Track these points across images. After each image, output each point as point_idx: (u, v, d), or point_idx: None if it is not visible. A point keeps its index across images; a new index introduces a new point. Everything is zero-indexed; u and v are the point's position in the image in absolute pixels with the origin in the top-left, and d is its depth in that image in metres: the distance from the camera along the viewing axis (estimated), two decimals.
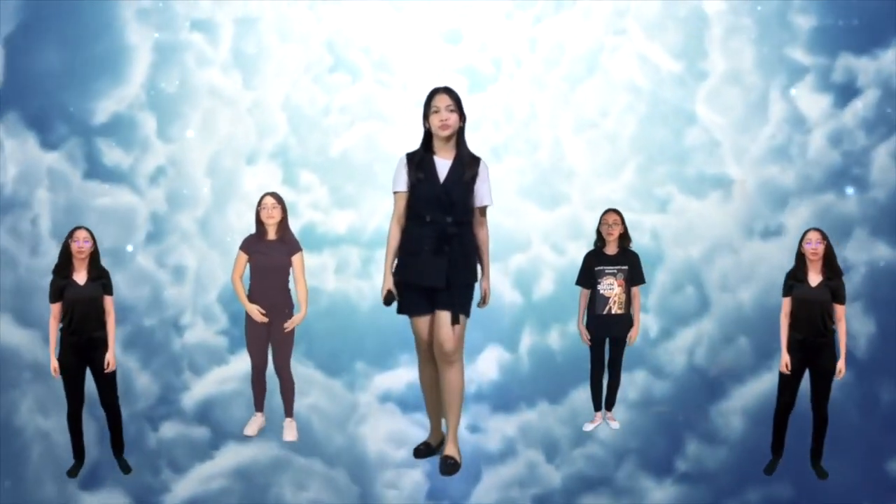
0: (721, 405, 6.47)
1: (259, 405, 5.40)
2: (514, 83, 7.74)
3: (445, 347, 4.22)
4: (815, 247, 4.62)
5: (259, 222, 5.15)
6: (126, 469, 5.03)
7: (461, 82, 7.07)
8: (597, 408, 5.63)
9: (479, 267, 4.43)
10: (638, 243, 6.21)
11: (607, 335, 5.40)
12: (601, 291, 5.27)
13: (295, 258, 5.15)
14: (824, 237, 4.67)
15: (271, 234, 5.11)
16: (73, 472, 4.94)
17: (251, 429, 5.38)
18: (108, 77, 7.61)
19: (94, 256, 4.71)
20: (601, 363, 5.47)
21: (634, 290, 5.38)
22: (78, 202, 7.38)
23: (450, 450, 4.41)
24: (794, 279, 4.72)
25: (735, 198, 7.40)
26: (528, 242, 7.40)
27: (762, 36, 7.56)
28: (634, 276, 5.38)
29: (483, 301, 4.42)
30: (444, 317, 4.23)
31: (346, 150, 7.71)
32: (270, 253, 5.10)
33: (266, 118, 7.66)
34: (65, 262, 4.68)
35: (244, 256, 5.16)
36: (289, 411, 5.40)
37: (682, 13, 7.63)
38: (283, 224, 5.13)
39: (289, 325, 5.11)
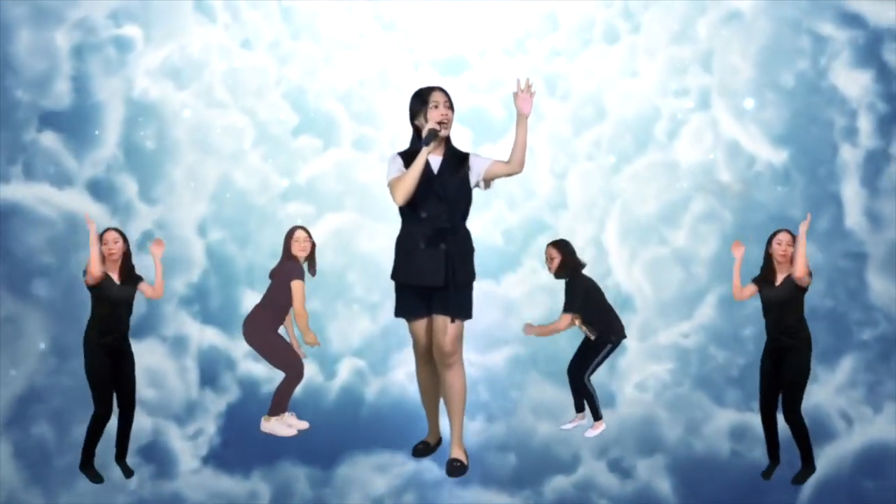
0: None
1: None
2: (532, 138, 6.46)
3: (444, 350, 4.28)
4: (784, 249, 4.61)
5: (293, 256, 5.22)
6: (128, 473, 4.81)
7: (464, 134, 6.06)
8: (580, 408, 5.43)
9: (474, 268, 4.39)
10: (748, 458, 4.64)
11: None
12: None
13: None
14: (795, 240, 4.62)
15: (301, 261, 5.22)
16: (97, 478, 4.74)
17: (293, 430, 5.28)
18: None
19: (126, 257, 4.72)
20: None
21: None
22: None
23: (456, 452, 4.41)
24: (764, 280, 4.72)
25: None
26: (577, 456, 4.86)
27: None
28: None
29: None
30: (443, 321, 4.26)
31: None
32: (302, 276, 5.23)
33: (177, 244, 5.78)
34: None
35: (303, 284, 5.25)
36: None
37: (788, 83, 6.14)
38: (312, 256, 5.29)
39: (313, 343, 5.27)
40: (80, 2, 6.11)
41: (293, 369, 5.28)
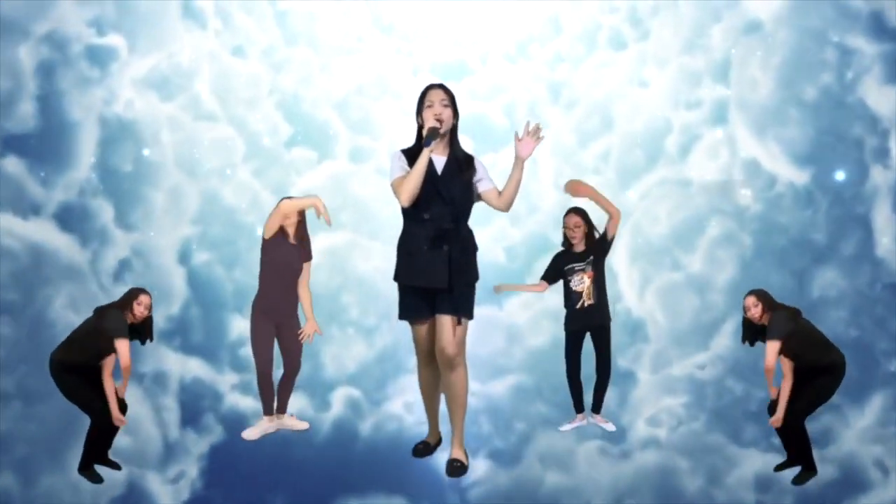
0: None
1: (268, 408, 5.27)
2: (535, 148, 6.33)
3: (447, 352, 4.25)
4: (753, 312, 4.77)
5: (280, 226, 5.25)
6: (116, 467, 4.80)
7: (464, 142, 5.56)
8: (579, 409, 5.52)
9: (478, 268, 4.44)
10: None
11: (587, 328, 5.46)
12: (573, 288, 5.38)
13: (305, 265, 5.29)
14: (759, 298, 4.80)
15: (291, 237, 5.19)
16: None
17: (253, 432, 5.20)
18: None
19: (146, 323, 4.79)
20: (578, 357, 5.48)
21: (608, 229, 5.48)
22: None
23: (456, 453, 4.41)
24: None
25: None
26: None
27: None
28: (600, 253, 5.42)
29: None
30: (446, 321, 4.25)
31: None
32: (289, 255, 5.18)
33: (156, 273, 5.52)
34: (122, 309, 4.68)
35: (277, 226, 5.12)
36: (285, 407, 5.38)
37: (809, 96, 5.89)
38: (301, 227, 5.23)
39: (305, 338, 5.32)
40: (48, 15, 5.77)
41: (259, 368, 5.14)
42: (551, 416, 5.67)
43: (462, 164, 4.31)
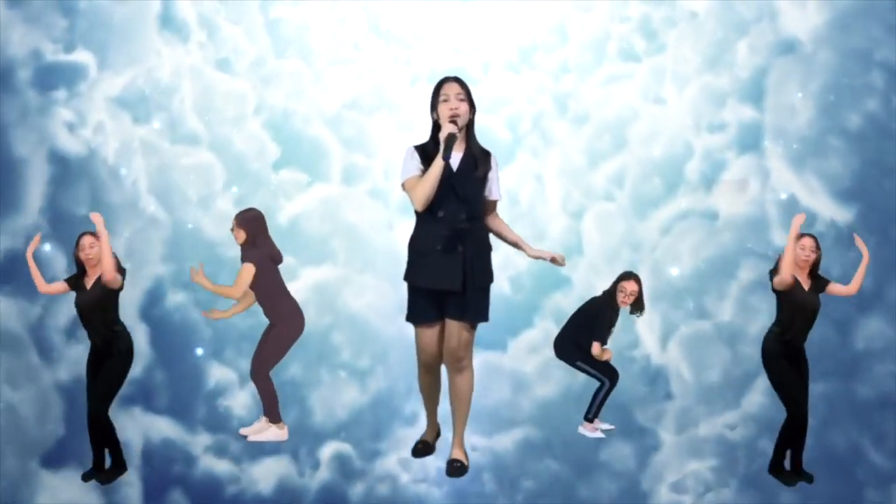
0: None
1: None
2: (542, 165, 6.48)
3: (458, 354, 4.33)
4: (808, 255, 4.75)
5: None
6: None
7: None
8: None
9: (492, 267, 4.47)
10: None
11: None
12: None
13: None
14: (818, 247, 4.81)
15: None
16: (87, 477, 4.69)
17: (249, 431, 5.24)
18: None
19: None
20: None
21: None
22: None
23: (456, 453, 4.46)
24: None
25: None
26: None
27: None
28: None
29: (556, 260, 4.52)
30: (457, 326, 4.29)
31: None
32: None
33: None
34: (79, 274, 4.73)
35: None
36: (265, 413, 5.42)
37: (852, 124, 5.55)
38: (248, 242, 5.16)
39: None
40: None
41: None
42: (562, 474, 5.34)
43: (478, 161, 4.29)
